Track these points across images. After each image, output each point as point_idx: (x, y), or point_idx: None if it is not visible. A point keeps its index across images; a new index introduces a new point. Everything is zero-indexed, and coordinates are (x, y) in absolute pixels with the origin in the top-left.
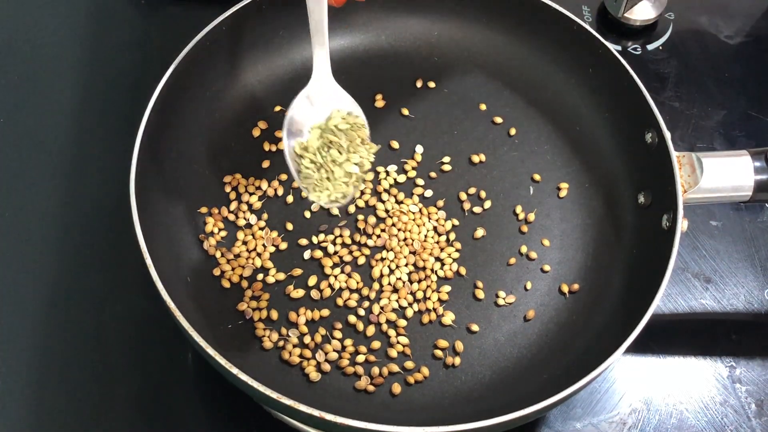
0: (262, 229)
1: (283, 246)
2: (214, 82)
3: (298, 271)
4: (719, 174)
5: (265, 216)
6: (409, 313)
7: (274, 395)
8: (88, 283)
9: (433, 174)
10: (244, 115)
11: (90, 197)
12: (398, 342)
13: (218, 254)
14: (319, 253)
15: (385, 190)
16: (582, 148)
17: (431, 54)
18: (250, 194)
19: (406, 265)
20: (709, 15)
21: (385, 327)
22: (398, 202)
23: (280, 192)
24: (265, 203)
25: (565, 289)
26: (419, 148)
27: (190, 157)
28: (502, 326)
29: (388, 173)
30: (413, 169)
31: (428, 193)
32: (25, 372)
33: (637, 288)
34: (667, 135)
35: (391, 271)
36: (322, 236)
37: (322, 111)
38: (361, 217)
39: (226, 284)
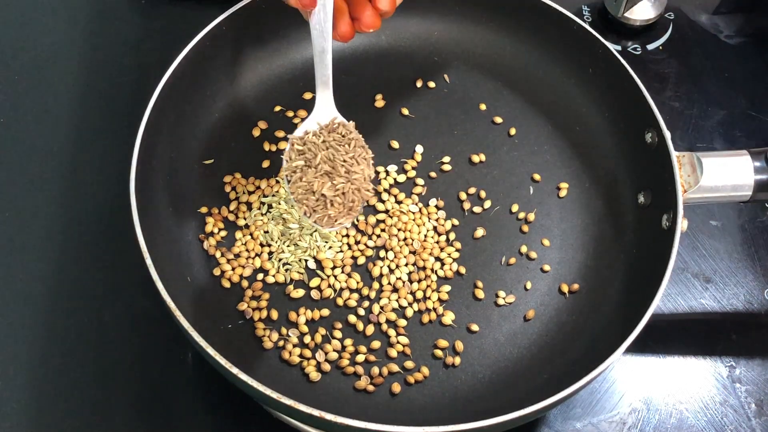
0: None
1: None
2: (214, 82)
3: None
4: (719, 174)
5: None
6: (409, 312)
7: (274, 395)
8: (88, 283)
9: (433, 174)
10: (244, 115)
11: (90, 197)
12: (398, 342)
13: (218, 254)
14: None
15: (385, 190)
16: (582, 148)
17: (431, 54)
18: (250, 194)
19: (406, 264)
20: (709, 15)
21: (385, 327)
22: (398, 202)
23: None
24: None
25: (565, 289)
26: (419, 148)
27: (191, 157)
28: (502, 326)
29: (388, 173)
30: (413, 169)
31: (428, 192)
32: (25, 372)
33: (637, 288)
34: (667, 135)
35: (391, 271)
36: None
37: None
38: (361, 217)
39: (226, 284)
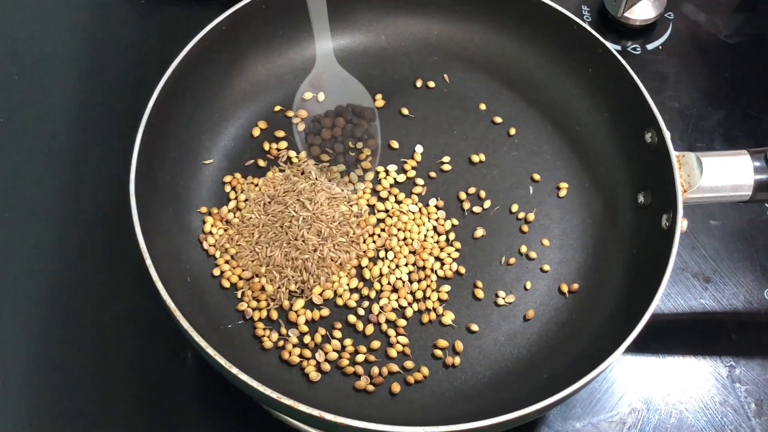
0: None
1: None
2: (214, 82)
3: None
4: (719, 174)
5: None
6: (409, 312)
7: (274, 395)
8: (88, 283)
9: (433, 174)
10: (243, 115)
11: (90, 197)
12: (398, 342)
13: (218, 254)
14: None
15: (386, 190)
16: (582, 148)
17: (431, 54)
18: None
19: (406, 264)
20: (709, 15)
21: (384, 327)
22: (398, 202)
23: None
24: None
25: (565, 289)
26: (419, 148)
27: (190, 157)
28: (502, 326)
29: (388, 173)
30: (413, 168)
31: (428, 192)
32: (25, 372)
33: (637, 288)
34: (667, 135)
35: (391, 271)
36: None
37: (331, 98)
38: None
39: (226, 284)
